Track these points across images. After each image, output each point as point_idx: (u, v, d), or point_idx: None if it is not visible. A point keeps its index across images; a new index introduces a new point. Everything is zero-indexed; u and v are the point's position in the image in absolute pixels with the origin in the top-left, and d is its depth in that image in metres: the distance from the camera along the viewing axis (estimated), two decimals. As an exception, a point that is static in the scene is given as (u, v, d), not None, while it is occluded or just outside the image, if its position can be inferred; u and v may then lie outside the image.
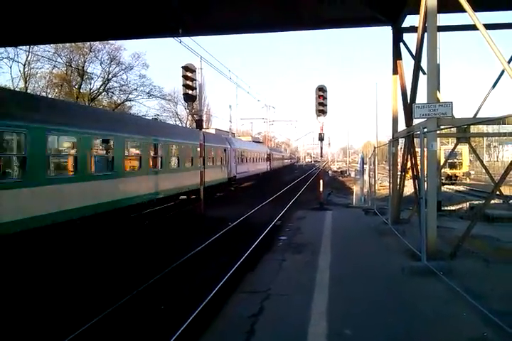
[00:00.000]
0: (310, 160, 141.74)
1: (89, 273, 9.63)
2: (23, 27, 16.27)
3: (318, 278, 8.57)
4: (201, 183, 20.05)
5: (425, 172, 9.86)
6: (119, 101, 46.71)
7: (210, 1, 14.13)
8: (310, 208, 20.27)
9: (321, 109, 19.75)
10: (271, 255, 10.85)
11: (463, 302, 6.76)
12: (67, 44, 37.01)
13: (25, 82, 39.25)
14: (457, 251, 9.68)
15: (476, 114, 12.48)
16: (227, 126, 48.25)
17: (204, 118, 37.31)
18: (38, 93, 39.46)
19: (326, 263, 9.73)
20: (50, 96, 39.49)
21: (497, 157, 76.48)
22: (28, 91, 37.85)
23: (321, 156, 29.37)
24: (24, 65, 38.92)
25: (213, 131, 34.97)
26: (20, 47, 32.89)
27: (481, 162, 14.86)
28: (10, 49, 34.73)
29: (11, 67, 38.60)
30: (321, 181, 21.58)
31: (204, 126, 26.05)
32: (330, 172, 63.66)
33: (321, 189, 21.45)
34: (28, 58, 38.47)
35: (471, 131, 12.71)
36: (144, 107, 60.42)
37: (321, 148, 24.78)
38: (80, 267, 10.05)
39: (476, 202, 19.91)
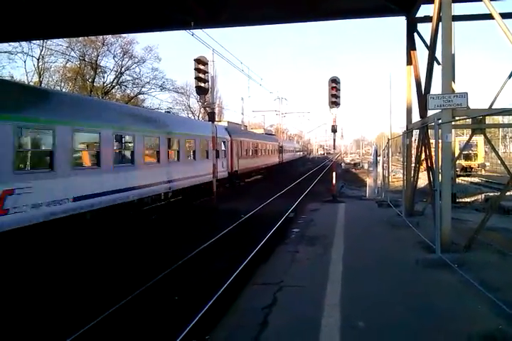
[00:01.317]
0: (323, 153, 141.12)
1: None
2: (36, 21, 16.36)
3: (332, 270, 8.56)
4: (214, 175, 20.12)
5: (440, 164, 9.76)
6: (132, 95, 46.87)
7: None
8: (323, 200, 20.23)
9: (334, 101, 19.62)
10: (284, 247, 10.87)
11: (478, 295, 6.71)
12: (80, 38, 37.11)
13: (40, 76, 39.53)
14: (472, 243, 9.59)
15: (491, 105, 12.27)
16: (239, 119, 48.22)
17: (216, 110, 37.23)
18: (52, 87, 39.77)
19: (339, 256, 9.72)
20: (64, 90, 39.80)
21: (513, 148, 75.53)
22: (43, 85, 38.15)
23: (334, 148, 29.26)
24: (38, 59, 39.15)
25: (225, 124, 34.89)
26: (34, 41, 33.10)
27: (497, 153, 14.64)
28: (24, 43, 34.97)
29: (25, 62, 38.88)
30: (334, 173, 21.51)
31: (216, 119, 26.11)
32: (343, 164, 63.40)
33: (334, 181, 21.38)
34: (42, 52, 38.72)
35: (487, 122, 12.55)
36: (156, 100, 60.47)
37: (334, 140, 24.72)
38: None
39: (492, 194, 19.68)
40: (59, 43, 37.76)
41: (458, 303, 6.67)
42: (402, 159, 16.85)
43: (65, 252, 10.34)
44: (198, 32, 17.20)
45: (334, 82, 19.59)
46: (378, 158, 24.06)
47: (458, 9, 14.54)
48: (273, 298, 7.07)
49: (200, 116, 56.39)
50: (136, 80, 45.72)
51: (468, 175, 35.25)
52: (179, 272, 9.20)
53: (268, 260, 9.67)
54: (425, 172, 14.70)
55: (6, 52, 36.23)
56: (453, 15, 10.68)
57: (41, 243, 10.06)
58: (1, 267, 8.48)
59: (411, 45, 14.40)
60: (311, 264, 9.19)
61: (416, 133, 15.76)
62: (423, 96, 12.46)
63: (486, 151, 41.78)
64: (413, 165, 14.75)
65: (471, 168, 38.06)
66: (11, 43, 33.32)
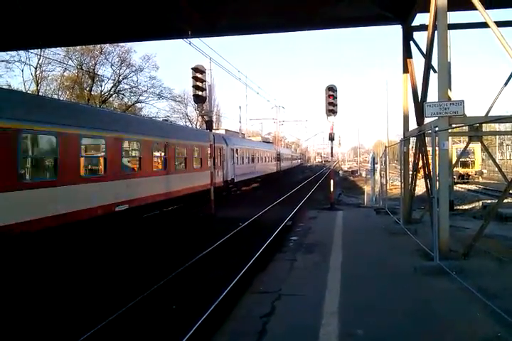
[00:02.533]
0: (320, 160, 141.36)
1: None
2: (34, 30, 16.43)
3: (330, 279, 8.53)
4: (211, 184, 20.10)
5: (437, 172, 9.79)
6: (129, 103, 46.98)
7: (220, 2, 14.18)
8: (321, 208, 20.21)
9: (331, 109, 19.69)
10: (282, 255, 10.83)
11: (476, 302, 6.70)
12: (78, 47, 37.31)
13: (37, 85, 39.64)
14: (470, 250, 9.59)
15: (488, 112, 12.34)
16: (237, 127, 48.36)
17: (214, 119, 37.27)
18: (50, 95, 39.84)
19: (337, 263, 9.69)
20: (61, 98, 39.86)
21: (510, 155, 75.79)
22: (40, 93, 38.23)
23: (331, 156, 29.31)
24: (36, 68, 39.33)
25: (223, 132, 34.93)
26: (32, 50, 33.19)
27: (494, 160, 14.72)
28: (21, 52, 35.11)
29: (22, 70, 39.10)
30: (332, 181, 21.52)
31: (214, 127, 26.13)
32: (341, 172, 63.48)
33: (332, 189, 21.38)
34: (40, 61, 38.87)
35: (483, 129, 12.59)
36: (154, 109, 60.84)
37: (332, 148, 24.73)
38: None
39: (489, 201, 19.71)
40: (57, 52, 37.99)
41: (457, 311, 6.65)
42: (399, 167, 16.88)
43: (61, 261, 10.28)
44: (195, 41, 17.32)
45: (331, 90, 19.67)
46: (376, 166, 24.09)
47: (454, 17, 14.67)
48: (271, 306, 7.03)
49: (198, 124, 56.51)
50: (134, 89, 45.99)
51: (465, 183, 35.36)
52: (177, 280, 9.15)
53: (266, 268, 9.64)
54: (423, 180, 14.72)
55: (3, 61, 36.53)
56: (448, 24, 10.79)
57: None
58: None
59: (407, 53, 14.49)
60: (309, 272, 9.16)
61: (413, 140, 15.82)
62: (419, 104, 12.53)
63: (483, 158, 41.92)
64: (411, 172, 14.78)
65: (469, 176, 38.18)
66: (8, 52, 33.49)
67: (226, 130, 37.84)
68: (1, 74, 39.17)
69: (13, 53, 35.25)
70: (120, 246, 12.31)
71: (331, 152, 26.44)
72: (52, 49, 35.39)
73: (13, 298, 8.11)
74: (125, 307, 7.37)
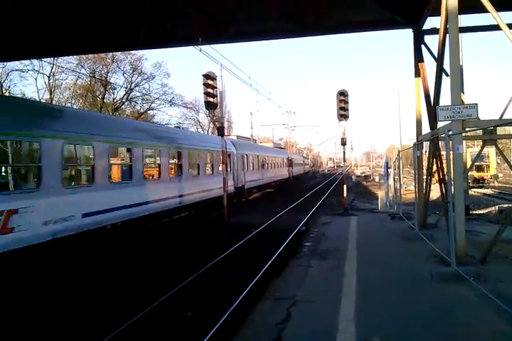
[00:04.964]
0: (333, 165, 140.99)
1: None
2: (47, 39, 16.66)
3: (345, 285, 8.47)
4: (224, 190, 20.12)
5: (451, 176, 9.68)
6: (141, 110, 47.34)
7: (229, 9, 14.26)
8: (334, 214, 20.11)
9: (343, 114, 19.64)
10: (297, 261, 10.78)
11: (495, 308, 6.58)
12: (90, 55, 37.74)
13: (51, 94, 40.13)
14: (487, 255, 9.45)
15: (502, 115, 12.20)
16: (248, 133, 48.47)
17: (225, 125, 37.35)
18: (63, 104, 40.30)
19: (352, 270, 9.61)
20: (74, 106, 40.30)
21: (525, 158, 74.70)
22: (54, 102, 38.70)
23: (344, 161, 29.22)
24: (49, 77, 39.88)
25: (235, 138, 35.03)
26: (45, 59, 33.69)
27: (509, 164, 14.50)
28: (35, 61, 35.62)
29: (36, 79, 39.62)
30: (345, 186, 21.42)
31: (225, 133, 26.22)
32: (353, 177, 63.14)
33: (345, 194, 21.28)
34: (53, 70, 39.39)
35: (498, 132, 12.45)
36: (166, 116, 61.28)
37: (344, 153, 24.68)
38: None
39: (506, 205, 19.42)
40: (69, 61, 38.48)
41: (475, 317, 6.55)
42: (413, 171, 16.74)
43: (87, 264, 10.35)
44: (206, 48, 17.40)
45: (342, 94, 19.63)
46: (389, 171, 23.92)
47: (466, 19, 14.58)
48: (286, 312, 6.99)
49: (210, 130, 56.77)
50: (146, 96, 46.33)
51: (480, 187, 34.91)
52: (193, 285, 9.14)
53: (281, 274, 9.59)
54: (437, 184, 14.58)
55: (17, 70, 37.13)
56: (460, 27, 10.71)
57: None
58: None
59: (419, 57, 14.43)
60: (324, 278, 9.11)
61: (426, 144, 15.69)
62: (432, 108, 12.45)
63: (498, 162, 41.41)
64: (425, 177, 14.65)
65: (484, 180, 37.72)
66: (22, 61, 33.96)
67: (237, 136, 37.92)
68: (15, 83, 39.66)
69: (27, 62, 35.80)
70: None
71: (344, 157, 26.39)
72: (65, 57, 35.90)
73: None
74: (140, 315, 7.38)
